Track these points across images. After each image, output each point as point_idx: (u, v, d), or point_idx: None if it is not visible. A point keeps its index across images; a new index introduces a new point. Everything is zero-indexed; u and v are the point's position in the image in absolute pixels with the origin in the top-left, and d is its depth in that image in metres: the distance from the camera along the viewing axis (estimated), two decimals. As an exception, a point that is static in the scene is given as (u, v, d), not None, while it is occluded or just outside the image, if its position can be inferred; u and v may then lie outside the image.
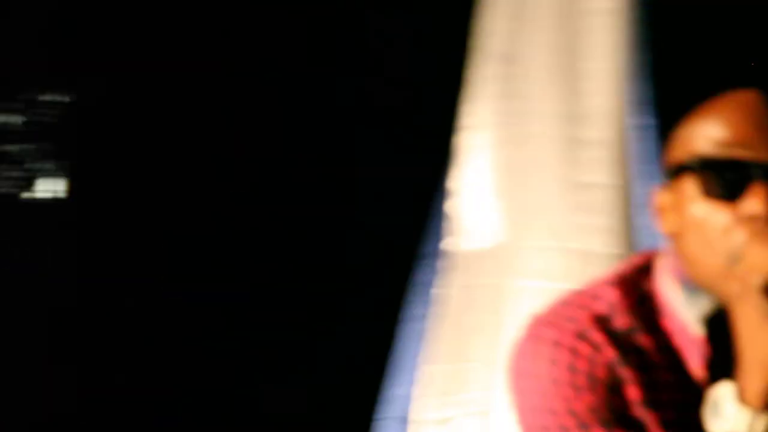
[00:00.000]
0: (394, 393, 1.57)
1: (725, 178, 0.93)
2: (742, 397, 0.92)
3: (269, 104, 2.08)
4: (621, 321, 1.00)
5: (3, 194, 2.44)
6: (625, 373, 0.97)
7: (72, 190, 2.26)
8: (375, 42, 2.11)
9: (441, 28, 1.78)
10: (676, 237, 0.96)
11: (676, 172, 0.95)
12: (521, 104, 1.59)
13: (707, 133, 0.95)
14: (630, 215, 1.53)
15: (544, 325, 1.00)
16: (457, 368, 1.55)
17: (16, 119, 2.51)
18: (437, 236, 1.66)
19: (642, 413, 0.98)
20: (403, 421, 1.55)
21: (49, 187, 2.43)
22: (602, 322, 1.00)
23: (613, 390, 0.97)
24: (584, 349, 1.00)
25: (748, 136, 0.96)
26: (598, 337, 0.98)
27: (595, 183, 1.53)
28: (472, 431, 1.53)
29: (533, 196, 1.55)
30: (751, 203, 0.88)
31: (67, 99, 2.32)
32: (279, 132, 2.11)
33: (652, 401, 1.00)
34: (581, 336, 0.99)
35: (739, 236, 0.89)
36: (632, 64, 1.53)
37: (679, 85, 1.49)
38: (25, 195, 2.58)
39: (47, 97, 2.42)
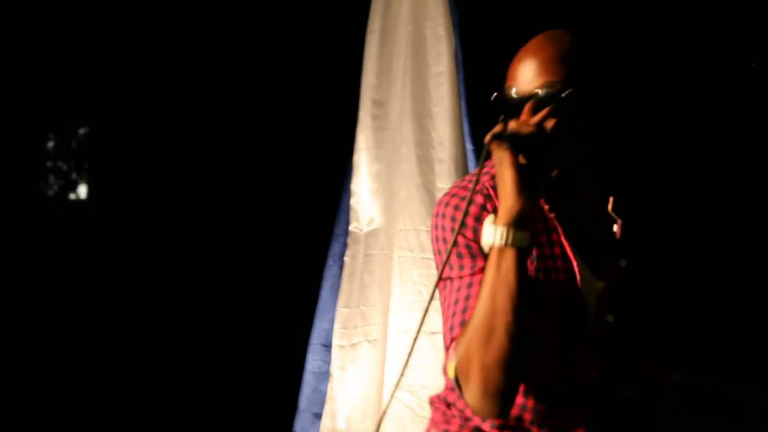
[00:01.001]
0: (319, 326, 2.28)
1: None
2: (496, 219, 1.14)
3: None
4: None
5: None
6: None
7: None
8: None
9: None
10: None
11: None
12: (390, 134, 2.25)
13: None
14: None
15: (443, 197, 1.30)
16: (359, 310, 2.25)
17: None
18: (346, 221, 2.33)
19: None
20: (326, 346, 2.27)
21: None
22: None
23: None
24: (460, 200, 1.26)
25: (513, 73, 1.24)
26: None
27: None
28: (370, 352, 2.25)
29: (402, 195, 2.22)
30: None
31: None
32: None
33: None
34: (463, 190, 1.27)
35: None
36: (462, 108, 2.21)
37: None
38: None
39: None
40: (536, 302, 1.26)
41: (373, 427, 2.16)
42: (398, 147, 2.22)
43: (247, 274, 2.36)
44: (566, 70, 1.19)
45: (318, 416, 2.21)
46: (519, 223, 1.15)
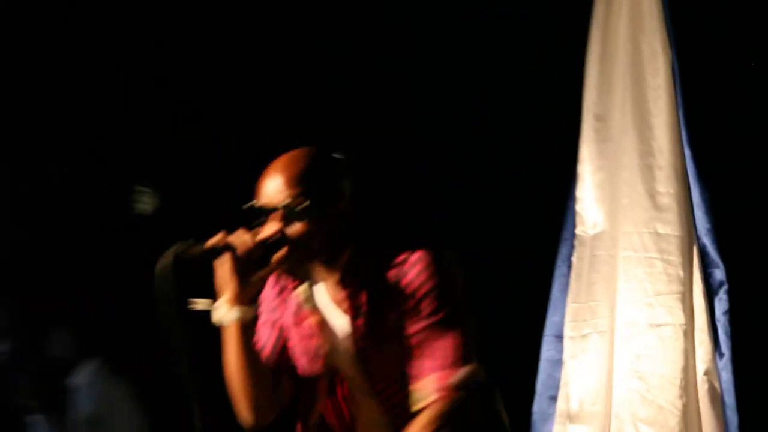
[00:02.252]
0: (551, 320, 2.54)
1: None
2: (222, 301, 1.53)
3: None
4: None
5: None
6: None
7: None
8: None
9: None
10: None
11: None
12: (612, 146, 2.46)
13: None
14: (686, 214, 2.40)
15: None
16: (588, 305, 2.49)
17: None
18: (572, 225, 2.56)
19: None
20: (558, 337, 2.52)
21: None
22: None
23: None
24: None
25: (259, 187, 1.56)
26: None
27: (662, 191, 2.39)
28: (599, 342, 2.47)
29: (624, 202, 2.43)
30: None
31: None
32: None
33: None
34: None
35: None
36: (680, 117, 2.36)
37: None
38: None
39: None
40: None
41: (605, 410, 2.41)
42: (620, 157, 2.44)
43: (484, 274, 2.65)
44: (303, 187, 1.50)
45: (553, 399, 2.50)
46: (235, 304, 1.56)
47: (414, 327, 1.57)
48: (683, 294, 2.40)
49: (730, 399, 2.40)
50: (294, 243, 1.56)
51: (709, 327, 2.44)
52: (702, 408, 2.43)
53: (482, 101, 2.70)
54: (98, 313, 3.07)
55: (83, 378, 3.24)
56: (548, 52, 2.61)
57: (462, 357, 1.55)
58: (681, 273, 2.39)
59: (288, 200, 1.53)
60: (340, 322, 1.64)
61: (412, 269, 1.55)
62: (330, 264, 1.64)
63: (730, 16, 2.38)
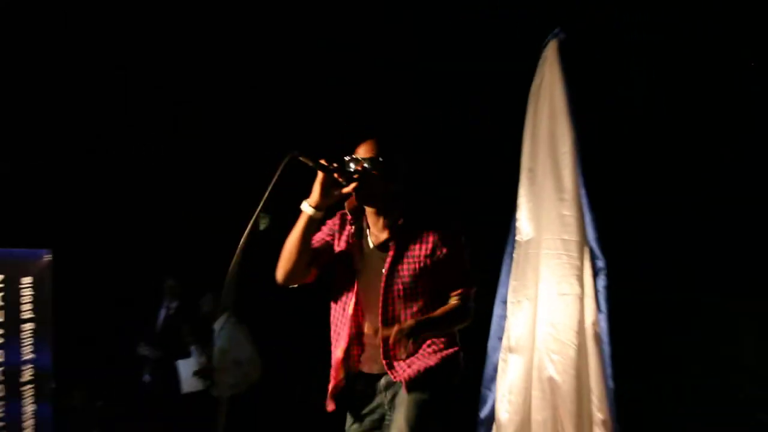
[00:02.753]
0: (501, 290, 3.77)
1: None
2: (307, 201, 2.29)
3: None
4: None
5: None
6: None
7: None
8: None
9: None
10: None
11: None
12: (537, 187, 3.73)
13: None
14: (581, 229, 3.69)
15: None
16: (522, 282, 3.72)
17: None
18: (514, 235, 3.79)
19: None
20: (504, 302, 3.74)
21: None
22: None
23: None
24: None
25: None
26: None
27: (566, 214, 3.67)
28: (528, 306, 3.67)
29: (544, 221, 3.70)
30: None
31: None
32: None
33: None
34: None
35: None
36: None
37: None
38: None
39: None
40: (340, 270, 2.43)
41: (531, 345, 3.76)
42: (542, 194, 3.72)
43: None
44: (381, 152, 2.30)
45: (500, 339, 3.77)
46: (314, 205, 2.26)
47: (437, 265, 2.32)
48: (579, 276, 3.57)
49: (605, 339, 3.56)
50: (365, 182, 2.27)
51: (594, 295, 3.57)
52: (589, 345, 3.54)
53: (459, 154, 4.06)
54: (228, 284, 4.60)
55: (219, 324, 4.86)
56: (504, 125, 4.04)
57: (471, 282, 2.38)
58: (578, 263, 3.58)
59: (369, 156, 2.31)
60: (373, 254, 2.38)
61: (442, 230, 2.34)
62: (380, 213, 2.36)
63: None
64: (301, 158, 2.17)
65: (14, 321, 2.91)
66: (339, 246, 2.40)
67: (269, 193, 2.11)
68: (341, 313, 2.40)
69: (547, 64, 3.82)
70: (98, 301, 4.27)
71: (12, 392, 2.93)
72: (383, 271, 2.31)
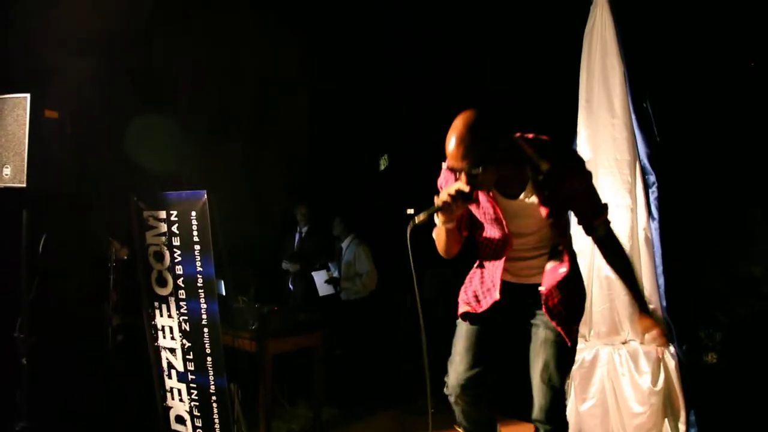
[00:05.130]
0: None
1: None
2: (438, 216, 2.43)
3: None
4: None
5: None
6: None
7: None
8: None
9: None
10: None
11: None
12: (594, 115, 4.09)
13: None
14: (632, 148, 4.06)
15: None
16: None
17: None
18: None
19: None
20: None
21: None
22: None
23: None
24: None
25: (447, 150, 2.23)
26: None
27: (617, 137, 4.05)
28: None
29: (600, 143, 4.06)
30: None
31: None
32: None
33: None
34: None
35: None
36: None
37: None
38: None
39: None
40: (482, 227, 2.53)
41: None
42: (597, 120, 4.08)
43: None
44: (474, 155, 2.19)
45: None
46: (445, 218, 2.38)
47: (574, 192, 2.33)
48: (630, 189, 3.96)
49: (657, 243, 3.91)
50: (476, 187, 2.28)
51: (646, 205, 3.94)
52: (641, 247, 3.95)
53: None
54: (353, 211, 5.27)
55: (346, 243, 5.68)
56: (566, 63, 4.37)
57: (604, 205, 2.45)
58: (629, 179, 3.96)
59: (466, 166, 2.20)
60: (511, 205, 2.40)
61: (575, 169, 2.33)
62: (500, 178, 2.33)
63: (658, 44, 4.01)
64: (417, 222, 2.28)
65: (187, 244, 3.80)
66: (480, 207, 2.51)
67: (412, 265, 2.29)
68: (491, 253, 2.55)
69: (598, 7, 4.13)
70: (242, 226, 5.08)
71: (190, 294, 3.85)
72: (539, 212, 2.36)
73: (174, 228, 3.84)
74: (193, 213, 3.77)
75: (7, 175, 3.53)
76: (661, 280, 3.95)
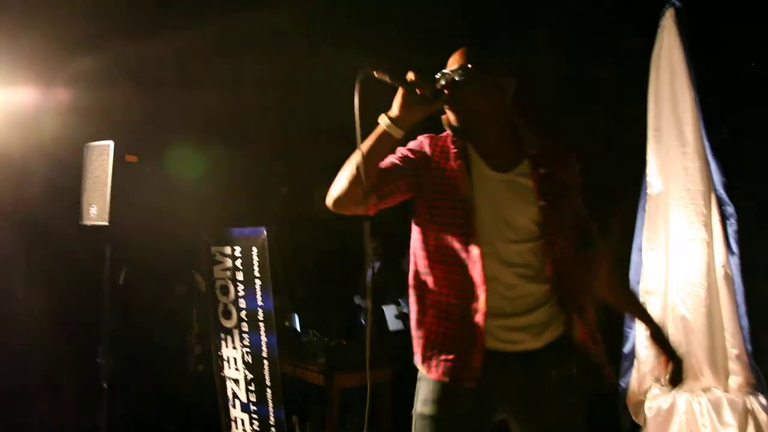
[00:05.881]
0: (636, 240, 3.89)
1: None
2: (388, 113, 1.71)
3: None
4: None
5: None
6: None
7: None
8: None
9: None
10: None
11: None
12: (663, 145, 3.79)
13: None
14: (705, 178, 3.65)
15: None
16: (654, 231, 3.88)
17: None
18: (645, 189, 3.86)
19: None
20: (639, 249, 3.82)
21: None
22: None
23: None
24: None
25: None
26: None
27: (689, 166, 3.73)
28: (660, 251, 3.75)
29: (671, 174, 3.76)
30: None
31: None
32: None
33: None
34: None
35: None
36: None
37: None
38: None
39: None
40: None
41: (665, 287, 3.87)
42: (668, 150, 3.79)
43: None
44: (471, 59, 1.79)
45: (638, 282, 3.87)
46: (395, 122, 1.71)
47: (570, 197, 1.84)
48: (705, 222, 3.63)
49: (737, 279, 3.55)
50: (457, 95, 1.76)
51: (724, 239, 3.60)
52: (720, 285, 3.59)
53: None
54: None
55: None
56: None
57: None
58: (704, 210, 3.64)
59: (457, 65, 1.80)
60: (493, 178, 1.79)
61: (572, 164, 1.87)
62: (494, 134, 1.82)
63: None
64: (376, 73, 1.69)
65: (249, 278, 3.90)
66: (435, 173, 1.84)
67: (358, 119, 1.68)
68: (451, 258, 1.81)
69: (665, 32, 3.87)
70: (304, 263, 5.14)
71: (252, 327, 3.94)
72: (535, 202, 1.78)
73: (237, 263, 3.96)
74: (254, 249, 3.87)
75: (93, 214, 3.79)
76: (744, 321, 3.59)
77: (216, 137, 4.41)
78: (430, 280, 1.84)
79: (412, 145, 1.89)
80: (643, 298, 3.90)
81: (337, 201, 1.74)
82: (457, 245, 1.80)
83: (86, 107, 4.05)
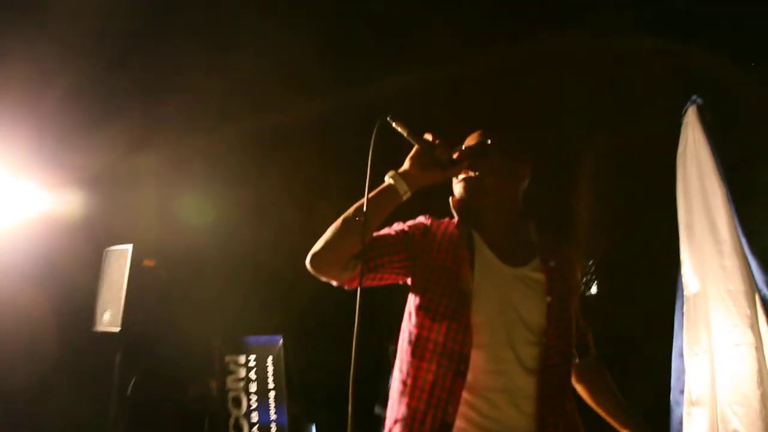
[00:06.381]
0: (676, 344, 3.56)
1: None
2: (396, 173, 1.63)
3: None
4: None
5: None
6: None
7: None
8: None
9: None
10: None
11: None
12: (696, 243, 3.58)
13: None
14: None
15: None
16: (695, 335, 3.54)
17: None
18: (681, 290, 3.61)
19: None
20: (680, 355, 3.54)
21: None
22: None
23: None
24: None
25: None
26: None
27: (727, 264, 3.48)
28: (704, 357, 3.45)
29: (708, 273, 3.54)
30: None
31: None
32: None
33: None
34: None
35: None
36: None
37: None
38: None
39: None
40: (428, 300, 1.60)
41: (712, 398, 3.50)
42: (701, 247, 3.56)
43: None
44: (490, 137, 1.76)
45: (682, 392, 3.54)
46: (405, 179, 1.59)
47: (573, 300, 1.78)
48: (751, 324, 3.32)
49: None
50: (473, 167, 1.71)
51: None
52: None
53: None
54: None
55: None
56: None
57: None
58: (748, 312, 3.33)
59: (477, 141, 1.77)
60: (504, 272, 1.68)
61: (577, 266, 1.83)
62: (504, 220, 1.75)
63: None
64: (393, 123, 1.60)
65: (263, 390, 3.66)
66: (428, 257, 1.69)
67: (369, 168, 1.55)
68: (438, 351, 1.66)
69: (689, 128, 3.76)
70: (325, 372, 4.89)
71: (265, 443, 3.65)
72: (544, 298, 1.67)
73: (251, 374, 3.73)
74: (270, 358, 3.66)
75: (106, 320, 3.65)
76: (806, 434, 3.19)
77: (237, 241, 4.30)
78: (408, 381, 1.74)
79: (411, 222, 1.80)
80: (688, 410, 3.55)
81: (320, 258, 1.55)
82: (441, 340, 1.67)
83: (107, 210, 4.00)
